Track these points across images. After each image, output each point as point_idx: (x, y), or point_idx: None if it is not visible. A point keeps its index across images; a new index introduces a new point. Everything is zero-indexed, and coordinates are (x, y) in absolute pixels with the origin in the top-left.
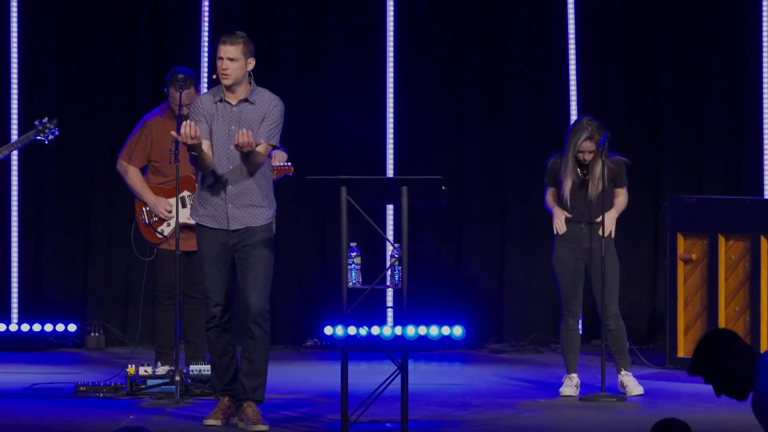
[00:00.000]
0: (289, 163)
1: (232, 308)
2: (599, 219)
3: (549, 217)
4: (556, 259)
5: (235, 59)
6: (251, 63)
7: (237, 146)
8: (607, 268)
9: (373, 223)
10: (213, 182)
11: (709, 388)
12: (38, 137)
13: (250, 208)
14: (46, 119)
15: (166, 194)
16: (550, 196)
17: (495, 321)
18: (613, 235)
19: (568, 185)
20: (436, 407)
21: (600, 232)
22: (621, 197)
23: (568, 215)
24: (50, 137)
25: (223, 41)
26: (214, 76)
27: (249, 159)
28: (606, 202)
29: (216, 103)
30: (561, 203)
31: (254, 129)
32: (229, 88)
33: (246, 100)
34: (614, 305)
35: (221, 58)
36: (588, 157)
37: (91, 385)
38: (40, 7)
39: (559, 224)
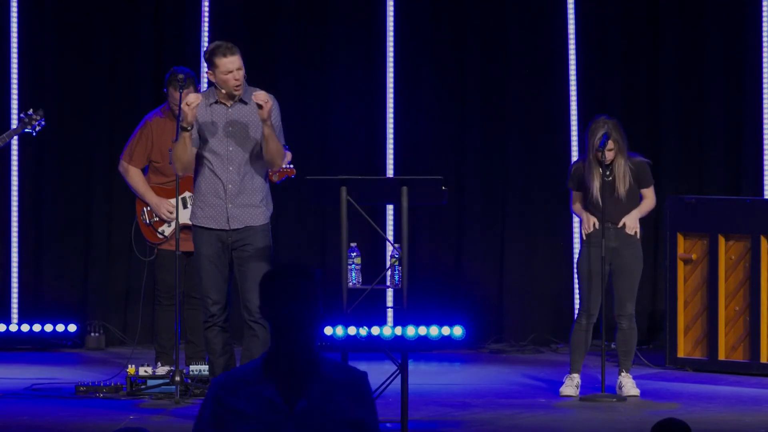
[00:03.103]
0: (291, 165)
1: (230, 307)
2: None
3: (548, 217)
4: (581, 260)
5: (241, 68)
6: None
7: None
8: (633, 267)
9: (373, 223)
10: (212, 183)
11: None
12: (26, 130)
13: (250, 207)
14: (31, 111)
15: (167, 194)
16: (576, 201)
17: (495, 321)
18: (638, 235)
19: (596, 186)
20: (436, 407)
21: (626, 231)
22: (648, 198)
23: (596, 221)
24: (37, 128)
25: (226, 54)
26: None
27: (269, 147)
28: (630, 202)
29: (210, 105)
30: (588, 206)
31: (251, 128)
32: (233, 96)
33: (240, 100)
34: (631, 305)
35: (231, 71)
36: (609, 155)
37: (91, 385)
38: (40, 7)
39: (589, 225)
